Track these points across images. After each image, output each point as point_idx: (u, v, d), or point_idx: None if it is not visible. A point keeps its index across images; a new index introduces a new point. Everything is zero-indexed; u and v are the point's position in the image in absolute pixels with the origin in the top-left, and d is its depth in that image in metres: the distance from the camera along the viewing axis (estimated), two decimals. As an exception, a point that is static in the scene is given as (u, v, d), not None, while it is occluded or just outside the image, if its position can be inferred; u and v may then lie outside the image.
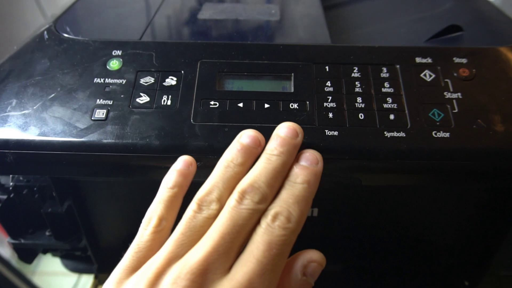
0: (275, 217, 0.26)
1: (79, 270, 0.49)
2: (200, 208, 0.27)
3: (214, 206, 0.27)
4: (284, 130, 0.30)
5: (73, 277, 1.15)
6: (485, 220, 0.41)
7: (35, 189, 0.39)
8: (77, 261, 0.49)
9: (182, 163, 0.31)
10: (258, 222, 0.27)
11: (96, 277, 0.50)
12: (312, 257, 0.28)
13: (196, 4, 0.50)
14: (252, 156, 0.29)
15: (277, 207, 0.27)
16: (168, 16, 0.46)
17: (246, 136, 0.30)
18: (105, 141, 0.33)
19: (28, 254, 0.44)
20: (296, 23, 0.45)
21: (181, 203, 0.30)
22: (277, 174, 0.28)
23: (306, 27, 0.44)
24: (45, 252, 0.45)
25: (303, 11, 0.48)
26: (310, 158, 0.29)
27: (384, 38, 0.45)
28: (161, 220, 0.28)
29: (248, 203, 0.26)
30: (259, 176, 0.27)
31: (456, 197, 0.40)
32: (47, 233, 0.41)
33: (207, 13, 0.47)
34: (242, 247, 0.26)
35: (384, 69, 0.36)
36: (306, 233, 0.44)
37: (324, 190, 0.40)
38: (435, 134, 0.33)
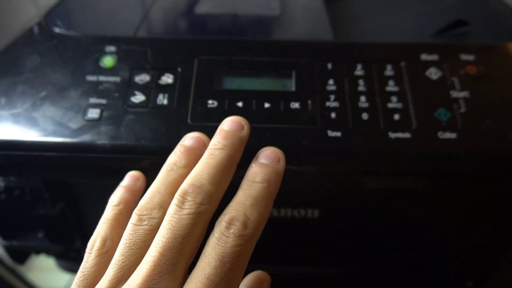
0: (229, 223, 0.23)
1: (74, 270, 0.48)
2: (140, 219, 0.24)
3: (155, 214, 0.24)
4: (227, 123, 0.28)
5: (67, 273, 1.14)
6: (493, 222, 0.40)
7: (26, 190, 0.38)
8: (72, 261, 0.48)
9: (128, 178, 0.29)
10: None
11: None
12: (261, 277, 0.27)
13: (193, -3, 0.48)
14: (197, 157, 0.27)
15: (232, 211, 0.23)
16: (163, 10, 0.44)
17: (189, 138, 0.28)
18: (98, 142, 0.31)
19: (20, 255, 0.43)
20: (297, 17, 0.43)
21: (128, 220, 0.26)
22: (222, 169, 0.25)
23: (308, 22, 0.43)
24: (38, 253, 0.43)
25: (304, 5, 0.46)
26: (270, 156, 0.27)
27: (389, 33, 0.44)
28: (105, 240, 0.25)
29: (189, 205, 0.23)
30: (201, 173, 0.24)
31: (463, 200, 0.39)
32: (40, 235, 0.40)
33: (204, 6, 0.45)
34: (193, 258, 0.24)
35: (389, 67, 0.35)
36: (307, 235, 0.43)
37: (326, 191, 0.39)
38: (441, 135, 0.32)
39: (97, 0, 0.47)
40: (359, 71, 0.35)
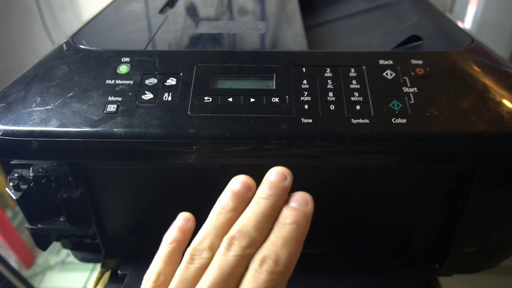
0: (262, 261, 0.26)
1: (88, 260, 0.54)
2: (192, 258, 0.28)
3: (205, 255, 0.27)
4: (273, 174, 0.30)
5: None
6: (445, 201, 0.46)
7: (52, 178, 0.45)
8: (85, 251, 0.54)
9: (181, 219, 0.32)
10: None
11: (103, 265, 0.55)
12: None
13: (193, 22, 0.57)
14: (243, 201, 0.30)
15: (265, 250, 0.26)
16: (169, 31, 0.53)
17: (237, 182, 0.31)
18: (115, 130, 0.39)
19: (43, 240, 0.49)
20: (279, 35, 0.52)
21: (180, 257, 0.30)
22: (266, 217, 0.28)
23: (288, 38, 0.51)
24: (58, 239, 0.50)
25: (286, 26, 0.55)
26: (299, 200, 0.29)
27: (357, 48, 0.52)
28: (159, 275, 0.29)
29: (235, 249, 0.26)
30: (247, 220, 0.28)
31: (418, 181, 0.46)
32: (61, 219, 0.47)
33: (203, 28, 0.54)
34: None
35: (352, 70, 0.43)
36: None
37: (303, 176, 0.46)
38: (394, 120, 0.39)
39: (114, 25, 0.56)
40: (328, 73, 0.43)
